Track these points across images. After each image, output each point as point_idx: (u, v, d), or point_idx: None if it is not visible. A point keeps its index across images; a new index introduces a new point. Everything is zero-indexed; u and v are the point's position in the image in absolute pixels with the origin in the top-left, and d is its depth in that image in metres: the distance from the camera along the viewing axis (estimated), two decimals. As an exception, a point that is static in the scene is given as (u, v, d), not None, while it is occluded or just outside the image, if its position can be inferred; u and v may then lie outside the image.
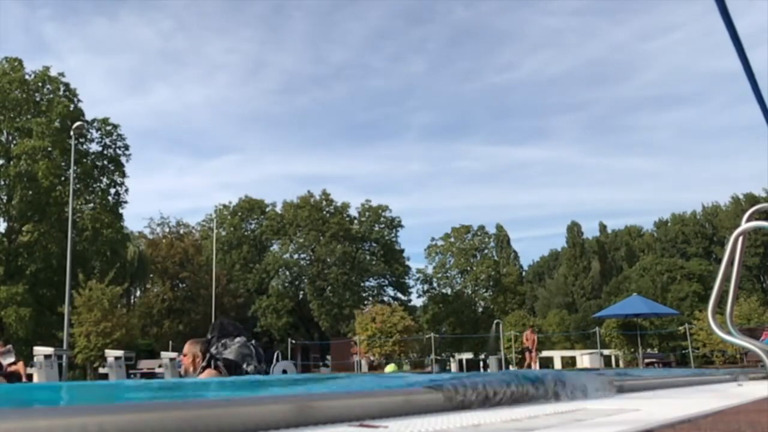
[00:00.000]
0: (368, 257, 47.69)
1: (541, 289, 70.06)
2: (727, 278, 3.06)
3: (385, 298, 45.84)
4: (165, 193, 79.71)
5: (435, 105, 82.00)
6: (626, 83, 79.89)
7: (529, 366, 21.46)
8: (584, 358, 38.20)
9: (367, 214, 48.22)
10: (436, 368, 28.28)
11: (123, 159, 36.25)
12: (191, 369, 4.31)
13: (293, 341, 32.64)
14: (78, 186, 31.82)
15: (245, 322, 42.80)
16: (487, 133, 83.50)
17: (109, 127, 35.83)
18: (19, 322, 28.94)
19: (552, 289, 67.10)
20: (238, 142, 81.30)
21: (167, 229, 43.88)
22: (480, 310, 47.53)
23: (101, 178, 35.85)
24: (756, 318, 26.51)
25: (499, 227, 59.63)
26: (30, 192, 32.00)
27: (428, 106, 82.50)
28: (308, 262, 46.57)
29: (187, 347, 4.43)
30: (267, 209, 49.12)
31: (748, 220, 3.22)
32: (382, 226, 48.28)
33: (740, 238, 3.05)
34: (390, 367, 18.80)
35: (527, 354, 21.82)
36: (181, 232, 44.56)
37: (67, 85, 34.39)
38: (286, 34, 74.26)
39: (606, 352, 32.58)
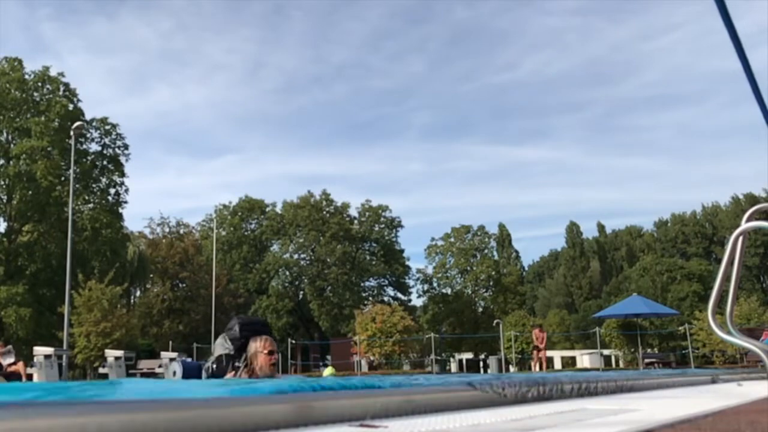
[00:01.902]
0: (368, 257, 47.70)
1: (541, 289, 70.10)
2: (727, 278, 3.06)
3: (385, 298, 45.85)
4: (165, 193, 79.88)
5: (435, 105, 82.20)
6: (626, 83, 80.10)
7: (540, 363, 21.40)
8: (584, 358, 38.24)
9: (367, 214, 48.23)
10: (436, 368, 28.28)
11: (122, 159, 36.29)
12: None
13: (293, 341, 32.64)
14: (77, 186, 31.83)
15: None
16: (487, 133, 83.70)
17: (108, 127, 35.83)
18: (19, 322, 28.95)
19: (552, 289, 67.15)
20: (238, 142, 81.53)
21: (167, 229, 43.91)
22: (480, 310, 47.54)
23: (101, 178, 35.86)
24: (756, 318, 26.51)
25: (502, 226, 59.72)
26: (29, 192, 32.01)
27: (428, 106, 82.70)
28: (308, 262, 46.58)
29: (272, 342, 3.82)
30: (267, 209, 49.14)
31: (748, 220, 3.22)
32: (382, 226, 48.30)
33: (740, 238, 3.04)
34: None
35: (536, 352, 21.74)
36: (181, 232, 44.57)
37: (66, 85, 34.41)
38: (286, 34, 74.44)
39: (606, 352, 32.58)
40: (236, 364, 3.82)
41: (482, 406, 1.66)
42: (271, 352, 3.79)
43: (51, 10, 63.79)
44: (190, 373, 4.07)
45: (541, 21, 74.20)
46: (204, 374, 3.96)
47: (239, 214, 48.74)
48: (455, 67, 79.19)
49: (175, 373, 4.10)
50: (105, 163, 35.94)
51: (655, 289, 46.90)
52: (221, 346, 3.91)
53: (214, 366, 3.87)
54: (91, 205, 35.21)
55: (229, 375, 3.81)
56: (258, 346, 3.78)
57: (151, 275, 40.37)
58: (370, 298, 45.41)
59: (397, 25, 77.21)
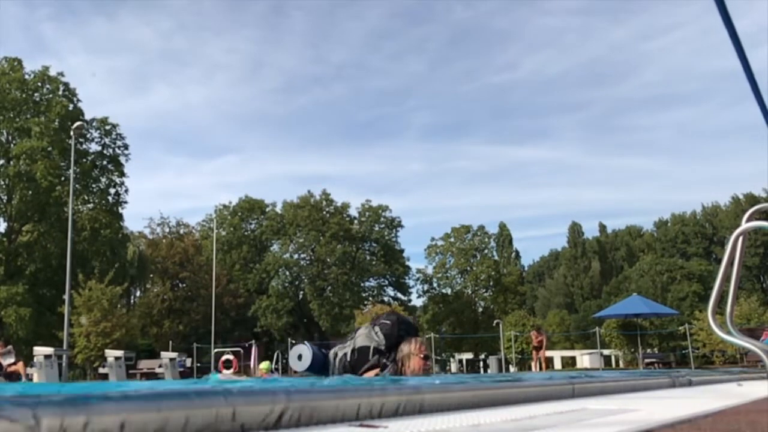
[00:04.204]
0: (368, 257, 47.70)
1: (541, 289, 70.10)
2: (727, 278, 3.06)
3: (385, 298, 45.86)
4: (165, 193, 79.73)
5: (435, 105, 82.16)
6: (626, 83, 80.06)
7: (540, 364, 21.41)
8: (584, 358, 38.22)
9: (367, 214, 48.23)
10: (437, 368, 28.28)
11: (122, 158, 36.31)
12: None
13: (293, 341, 32.63)
14: (77, 186, 31.85)
15: (245, 322, 42.83)
16: (487, 133, 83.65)
17: (108, 127, 35.85)
18: (19, 322, 28.95)
19: (552, 289, 67.15)
20: (238, 142, 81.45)
21: (167, 229, 43.93)
22: (480, 310, 47.53)
23: (101, 178, 35.87)
24: (756, 318, 26.51)
25: (502, 226, 59.67)
26: (29, 192, 32.02)
27: (428, 106, 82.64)
28: (308, 262, 46.58)
29: (427, 346, 3.69)
30: (267, 209, 49.14)
31: (748, 220, 3.21)
32: (382, 226, 48.29)
33: (740, 238, 3.04)
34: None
35: (535, 352, 21.78)
36: (181, 232, 44.58)
37: (66, 84, 34.41)
38: (286, 33, 74.42)
39: (606, 352, 32.57)
40: (384, 361, 3.56)
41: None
42: (426, 357, 3.59)
43: (51, 10, 63.74)
44: (318, 359, 3.67)
45: (541, 21, 74.22)
46: (337, 364, 3.66)
47: (239, 214, 48.74)
48: (455, 67, 79.17)
49: (300, 356, 3.64)
50: (105, 163, 35.95)
51: (655, 289, 46.91)
52: (368, 337, 3.63)
53: (355, 356, 3.59)
54: (90, 205, 35.21)
55: (373, 372, 3.53)
56: (413, 349, 3.57)
57: (151, 275, 40.38)
58: (370, 298, 45.41)
59: (397, 25, 77.25)
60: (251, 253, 47.30)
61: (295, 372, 3.87)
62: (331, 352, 3.70)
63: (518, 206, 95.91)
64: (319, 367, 3.63)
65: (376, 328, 3.65)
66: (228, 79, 76.57)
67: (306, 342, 3.84)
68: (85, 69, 66.73)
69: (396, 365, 3.54)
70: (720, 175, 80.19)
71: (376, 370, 3.53)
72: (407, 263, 48.50)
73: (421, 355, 3.56)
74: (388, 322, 3.67)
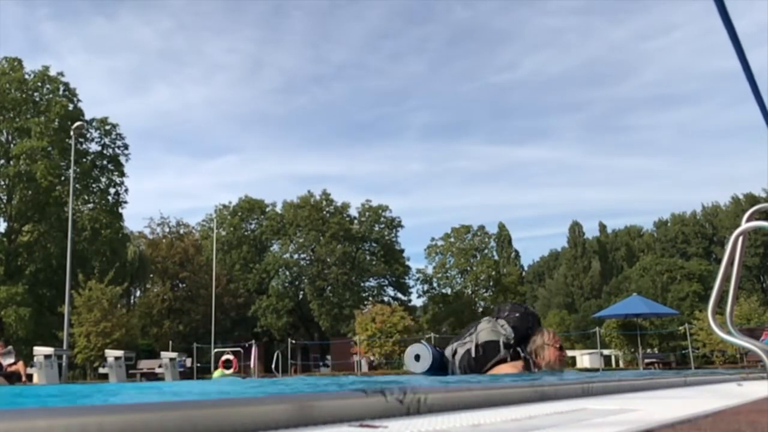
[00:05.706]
0: (368, 257, 47.72)
1: (541, 289, 70.08)
2: (727, 278, 3.05)
3: (385, 298, 45.89)
4: (165, 193, 79.66)
5: (435, 105, 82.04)
6: (626, 83, 79.98)
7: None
8: (584, 358, 38.20)
9: (367, 214, 48.27)
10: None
11: (122, 158, 36.33)
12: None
13: (293, 341, 32.64)
14: (77, 186, 31.84)
15: (245, 322, 42.83)
16: (487, 133, 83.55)
17: (107, 127, 35.86)
18: (19, 322, 28.96)
19: (552, 289, 67.12)
20: (238, 142, 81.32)
21: (167, 229, 43.94)
22: (480, 310, 47.55)
23: (101, 178, 35.89)
24: (756, 318, 26.51)
25: (501, 226, 59.70)
26: (29, 192, 32.03)
27: (428, 106, 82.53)
28: (308, 262, 46.60)
29: (559, 337, 3.48)
30: (267, 209, 49.17)
31: (748, 220, 3.21)
32: (382, 226, 48.33)
33: (740, 238, 3.04)
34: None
35: None
36: (181, 232, 44.59)
37: (66, 84, 34.43)
38: (286, 33, 74.34)
39: (606, 352, 32.55)
40: (524, 355, 3.33)
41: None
42: (561, 347, 3.40)
43: (51, 10, 63.64)
44: (436, 358, 3.35)
45: (541, 21, 74.15)
46: (458, 362, 3.38)
47: (239, 214, 48.77)
48: (455, 67, 79.09)
49: (418, 356, 3.30)
50: (105, 163, 35.97)
51: (655, 289, 46.91)
52: (493, 332, 3.37)
53: (480, 352, 3.33)
54: (90, 205, 35.22)
55: (507, 367, 3.29)
56: (547, 339, 3.38)
57: (151, 275, 40.39)
58: (370, 298, 45.43)
59: (397, 25, 77.09)
60: (251, 253, 47.31)
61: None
62: (448, 350, 3.47)
63: (518, 206, 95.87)
64: (438, 367, 3.38)
65: (501, 321, 3.43)
66: (228, 79, 76.48)
67: (422, 341, 3.51)
68: (85, 69, 66.68)
69: (531, 358, 3.34)
70: (720, 175, 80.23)
71: (512, 365, 3.30)
72: (407, 263, 48.60)
73: (557, 346, 3.38)
74: (516, 314, 3.46)
